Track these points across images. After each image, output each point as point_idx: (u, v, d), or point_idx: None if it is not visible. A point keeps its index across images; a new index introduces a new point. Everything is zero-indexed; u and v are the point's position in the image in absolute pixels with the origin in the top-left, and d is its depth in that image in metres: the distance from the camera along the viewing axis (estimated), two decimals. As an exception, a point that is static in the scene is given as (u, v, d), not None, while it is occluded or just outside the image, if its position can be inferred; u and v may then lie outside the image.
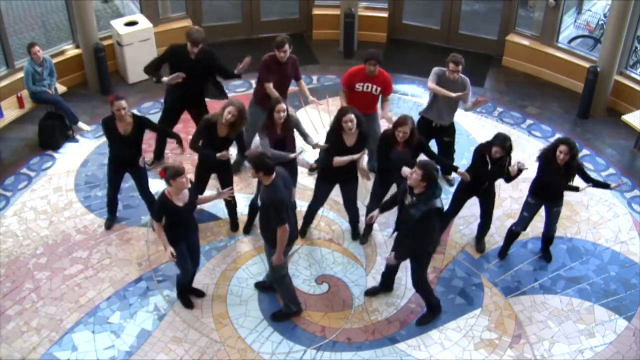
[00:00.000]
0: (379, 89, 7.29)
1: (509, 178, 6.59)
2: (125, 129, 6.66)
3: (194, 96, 7.68)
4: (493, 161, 6.50)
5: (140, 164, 6.84)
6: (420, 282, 6.21)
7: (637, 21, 8.78)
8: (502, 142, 6.37)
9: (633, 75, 9.16)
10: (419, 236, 5.78)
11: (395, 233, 6.06)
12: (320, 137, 7.54)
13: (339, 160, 6.47)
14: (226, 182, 6.98)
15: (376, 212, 6.23)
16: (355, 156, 6.47)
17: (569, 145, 6.22)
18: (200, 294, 6.59)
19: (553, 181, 6.41)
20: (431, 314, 6.39)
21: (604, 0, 11.14)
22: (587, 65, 9.18)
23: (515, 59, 10.17)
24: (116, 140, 6.73)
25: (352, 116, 6.35)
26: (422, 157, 6.58)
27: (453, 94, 7.13)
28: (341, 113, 6.44)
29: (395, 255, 6.01)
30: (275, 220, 5.67)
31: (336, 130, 6.50)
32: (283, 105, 6.42)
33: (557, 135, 8.78)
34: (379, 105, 7.58)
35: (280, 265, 5.98)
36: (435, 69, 7.29)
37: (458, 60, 7.09)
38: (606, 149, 8.63)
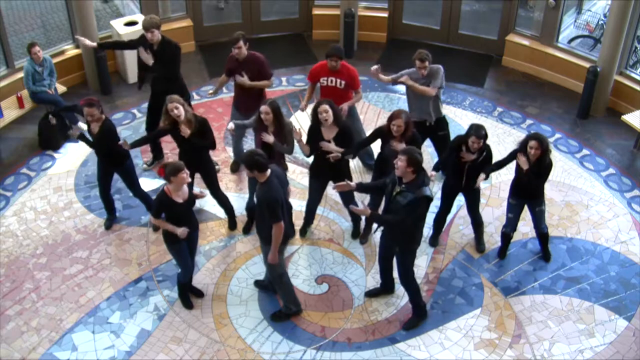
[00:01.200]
0: (343, 82, 7.30)
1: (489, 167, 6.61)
2: (96, 129, 6.70)
3: (166, 92, 7.55)
4: (471, 153, 6.48)
5: (72, 134, 6.99)
6: (407, 275, 6.14)
7: (637, 21, 8.78)
8: (477, 131, 6.34)
9: (633, 75, 9.15)
10: (407, 225, 5.68)
11: (381, 229, 6.02)
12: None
13: (324, 145, 6.49)
14: (208, 181, 7.01)
15: (353, 184, 6.03)
16: (333, 147, 6.47)
17: (539, 140, 6.20)
18: (199, 294, 6.59)
19: (528, 179, 6.39)
20: (417, 317, 6.35)
21: (604, 0, 11.15)
22: (587, 65, 9.17)
23: (515, 59, 10.16)
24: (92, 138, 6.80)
25: (327, 106, 6.36)
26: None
27: (384, 78, 7.28)
28: (316, 105, 6.45)
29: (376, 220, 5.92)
30: (270, 217, 5.66)
31: (315, 125, 6.52)
32: (267, 108, 6.37)
33: (557, 135, 8.80)
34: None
35: (277, 263, 5.98)
36: (406, 70, 7.30)
37: (423, 57, 7.09)
38: (606, 149, 8.62)
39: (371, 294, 6.62)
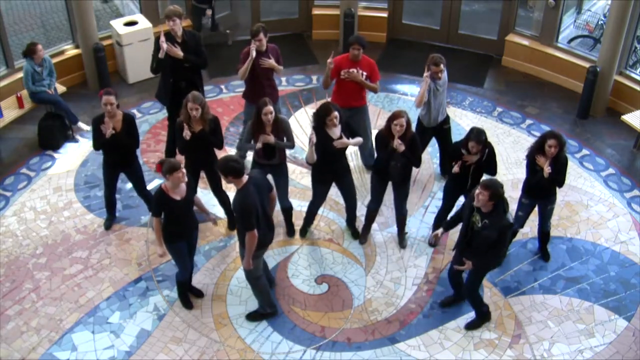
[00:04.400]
0: (364, 73, 7.30)
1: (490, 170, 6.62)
2: (115, 125, 6.61)
3: (191, 83, 7.50)
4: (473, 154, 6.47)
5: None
6: (474, 292, 6.18)
7: (636, 21, 8.78)
8: (477, 137, 6.32)
9: (633, 75, 9.15)
10: (492, 251, 5.78)
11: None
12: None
13: (340, 142, 6.46)
14: (212, 180, 7.00)
15: (440, 230, 6.28)
16: (346, 141, 6.48)
17: (557, 138, 6.21)
18: (199, 294, 6.59)
19: (544, 178, 6.38)
20: (480, 320, 6.37)
21: (603, 0, 11.15)
22: (586, 65, 9.17)
23: (515, 59, 10.17)
24: (107, 139, 6.62)
25: (336, 113, 6.35)
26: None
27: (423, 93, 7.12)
28: (324, 111, 6.38)
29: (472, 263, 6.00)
30: (242, 225, 5.62)
31: (320, 127, 6.47)
32: (270, 108, 6.34)
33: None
34: (368, 97, 7.67)
35: (254, 267, 5.95)
36: (426, 82, 7.20)
37: (437, 60, 7.06)
38: (606, 149, 8.62)
39: (445, 303, 6.56)
